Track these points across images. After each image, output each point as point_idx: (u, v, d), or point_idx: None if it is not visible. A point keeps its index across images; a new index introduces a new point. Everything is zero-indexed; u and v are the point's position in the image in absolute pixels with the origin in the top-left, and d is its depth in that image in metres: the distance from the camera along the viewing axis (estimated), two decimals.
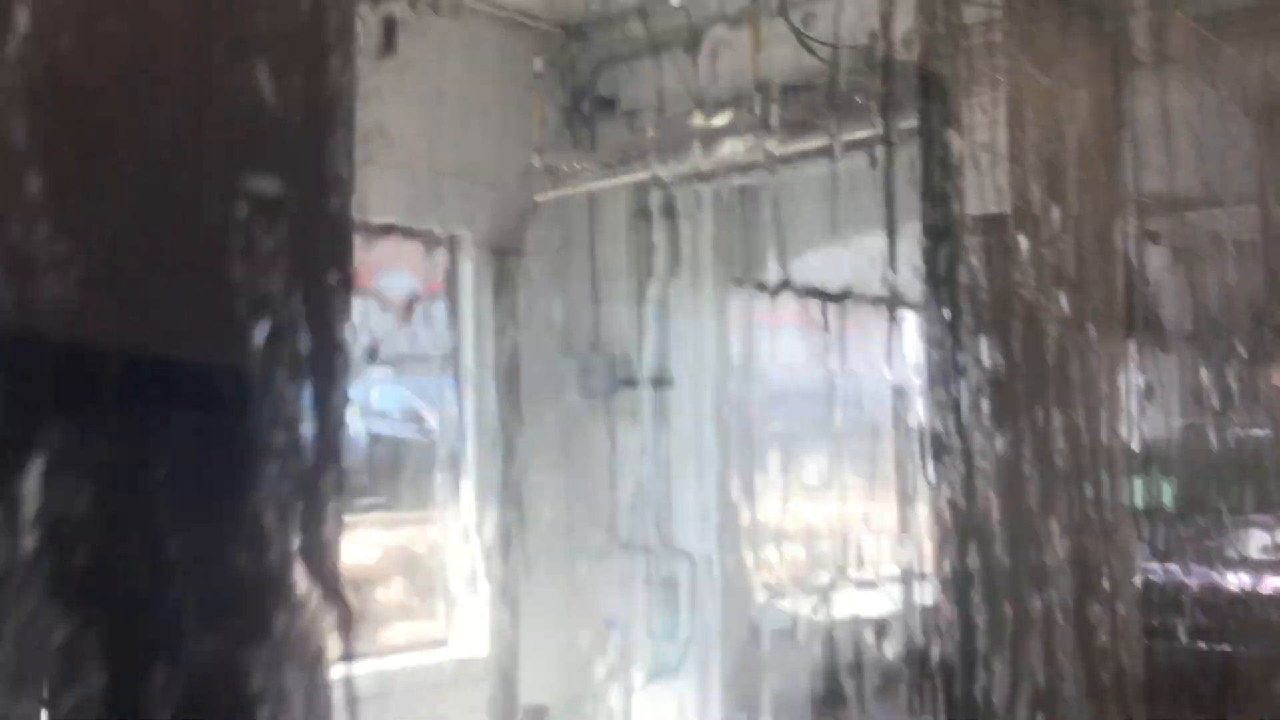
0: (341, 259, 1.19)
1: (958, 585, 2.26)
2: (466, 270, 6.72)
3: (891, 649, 2.82)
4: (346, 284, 1.19)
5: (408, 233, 6.34)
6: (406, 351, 7.02)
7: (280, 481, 1.05)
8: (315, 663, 1.04)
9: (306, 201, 1.16)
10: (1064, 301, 2.33)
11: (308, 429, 1.08)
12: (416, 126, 5.97)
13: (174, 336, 1.00)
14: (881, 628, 3.08)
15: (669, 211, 6.61)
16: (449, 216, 6.40)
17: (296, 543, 1.05)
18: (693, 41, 6.17)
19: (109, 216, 0.95)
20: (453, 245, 6.71)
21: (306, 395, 1.08)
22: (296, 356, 1.07)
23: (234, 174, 1.06)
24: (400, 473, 8.13)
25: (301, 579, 1.03)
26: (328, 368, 1.10)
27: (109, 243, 0.95)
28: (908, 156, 2.68)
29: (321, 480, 1.09)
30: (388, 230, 6.16)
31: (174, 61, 1.01)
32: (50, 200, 0.91)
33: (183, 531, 0.97)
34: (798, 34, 5.24)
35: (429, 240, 6.56)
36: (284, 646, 1.02)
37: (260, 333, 1.04)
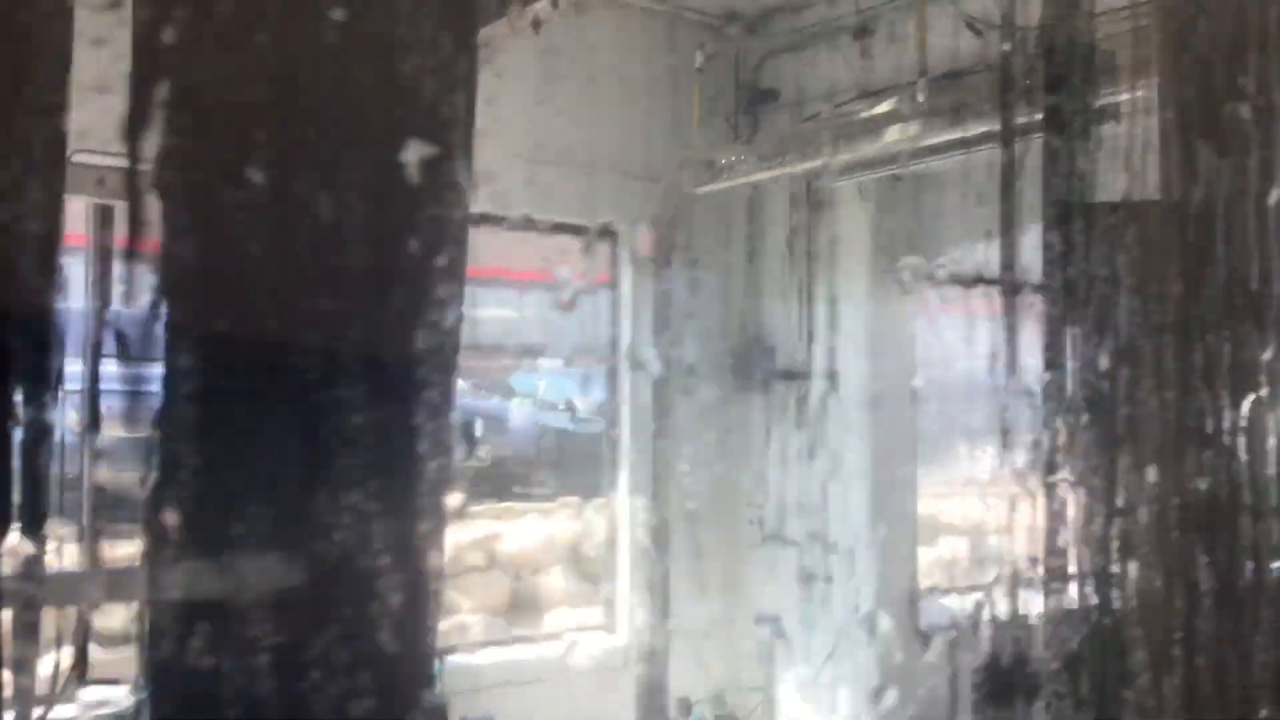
0: (463, 253, 1.20)
1: (1104, 586, 2.17)
2: (626, 262, 6.78)
3: (1047, 650, 2.74)
4: (461, 277, 1.20)
5: (569, 228, 6.44)
6: (571, 343, 7.16)
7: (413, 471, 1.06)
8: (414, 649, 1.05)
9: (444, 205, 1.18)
10: (1217, 287, 2.20)
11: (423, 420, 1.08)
12: (575, 121, 6.05)
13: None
14: (1039, 628, 2.99)
15: (829, 202, 6.52)
16: (609, 209, 6.47)
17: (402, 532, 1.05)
18: (859, 30, 6.06)
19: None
20: (613, 238, 6.78)
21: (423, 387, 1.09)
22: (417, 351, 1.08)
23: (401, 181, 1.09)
24: (562, 462, 8.28)
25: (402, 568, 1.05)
26: (440, 361, 1.11)
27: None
28: (1064, 142, 2.58)
29: (429, 471, 1.10)
30: (550, 226, 6.27)
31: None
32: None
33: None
34: (967, 19, 5.08)
35: (590, 234, 6.64)
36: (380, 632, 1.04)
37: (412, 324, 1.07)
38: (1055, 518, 2.66)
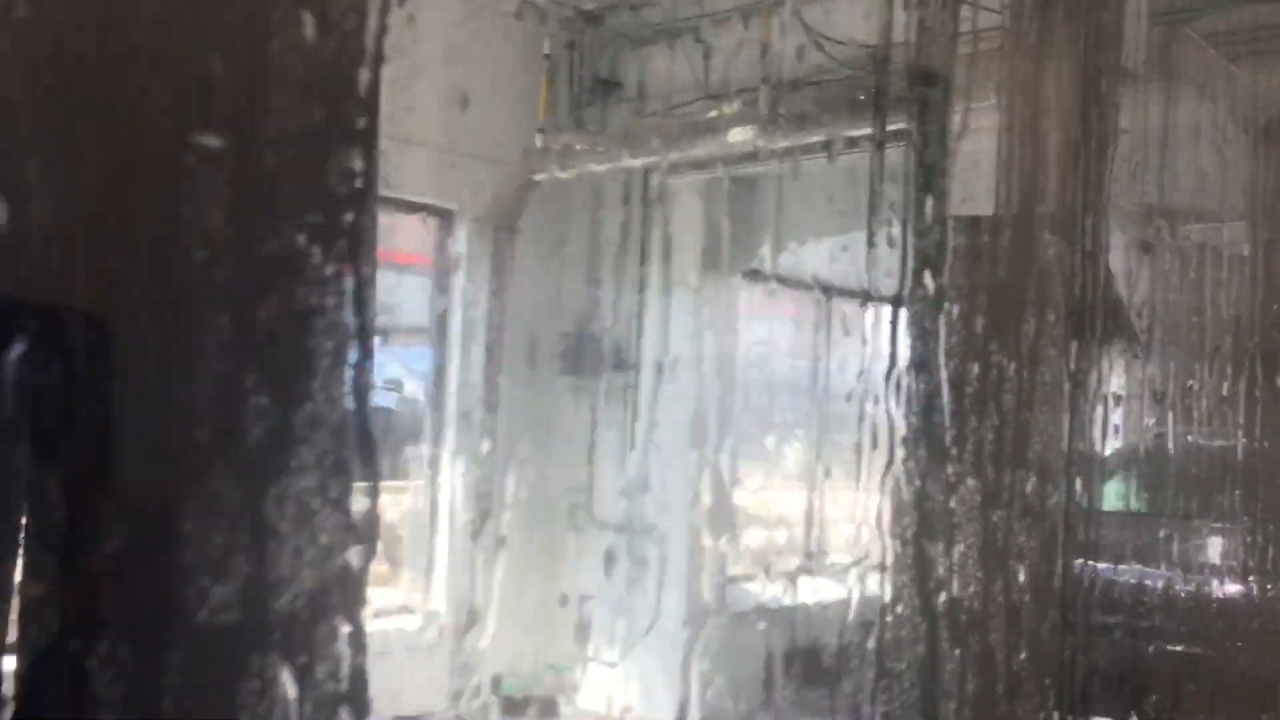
0: (371, 231, 1.22)
1: (913, 578, 2.32)
2: (459, 243, 6.75)
3: (844, 636, 2.88)
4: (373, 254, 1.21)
5: (405, 205, 6.37)
6: (392, 321, 7.06)
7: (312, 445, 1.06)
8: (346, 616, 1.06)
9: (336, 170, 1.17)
10: (1043, 305, 2.39)
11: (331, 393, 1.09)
12: (420, 101, 6.00)
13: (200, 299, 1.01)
14: (837, 615, 3.14)
15: (666, 197, 6.66)
16: (445, 190, 6.43)
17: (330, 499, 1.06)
18: (703, 32, 6.21)
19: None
20: (446, 218, 6.74)
21: (333, 362, 1.10)
22: (326, 324, 1.09)
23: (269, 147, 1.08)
24: (383, 441, 8.14)
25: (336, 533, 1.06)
26: (354, 335, 1.12)
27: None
28: (900, 155, 2.72)
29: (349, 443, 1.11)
30: (387, 202, 6.19)
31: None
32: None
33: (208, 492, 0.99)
34: (809, 31, 5.29)
35: (423, 212, 6.59)
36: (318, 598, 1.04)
37: (288, 300, 1.06)
38: (864, 510, 2.79)
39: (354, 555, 1.10)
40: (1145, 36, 2.89)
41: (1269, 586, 3.10)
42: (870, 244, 2.64)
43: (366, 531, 1.10)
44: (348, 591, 1.07)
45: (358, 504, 1.10)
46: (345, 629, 1.07)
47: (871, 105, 2.96)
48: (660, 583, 6.36)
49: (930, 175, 2.60)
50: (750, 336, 6.91)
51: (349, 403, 1.10)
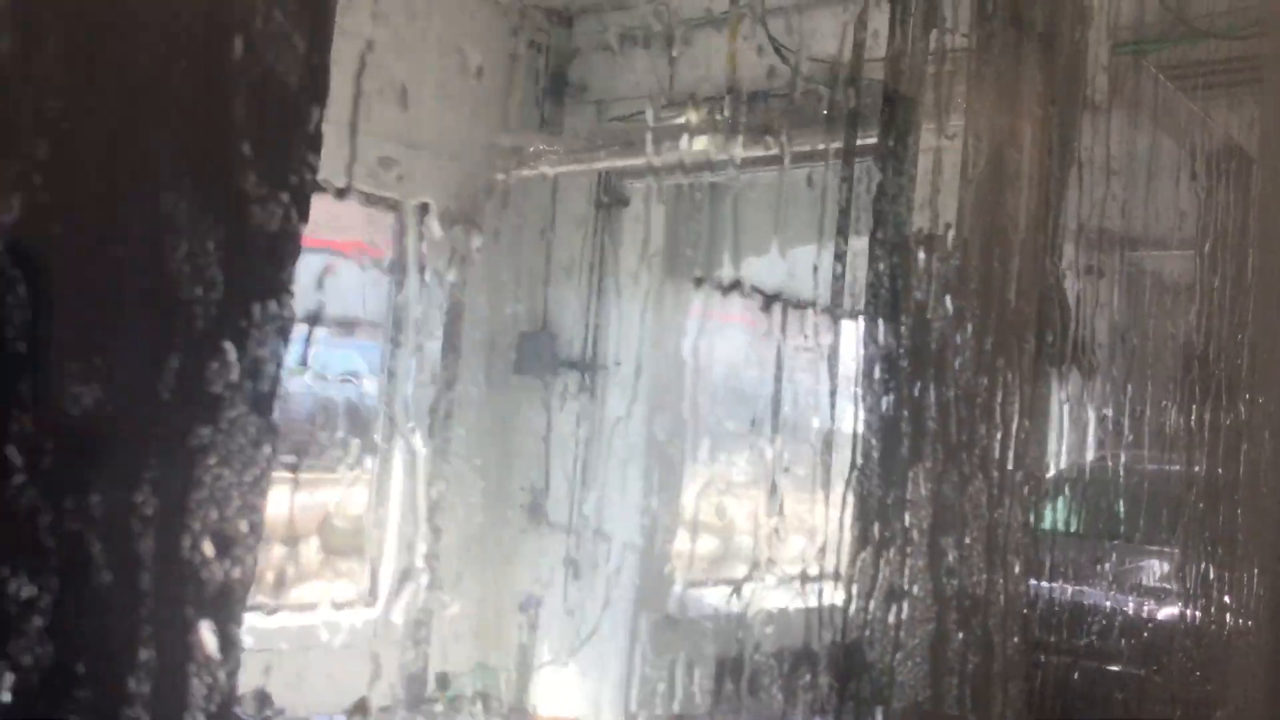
0: (292, 219, 1.18)
1: (860, 590, 2.36)
2: (418, 239, 6.73)
3: (793, 643, 2.91)
4: (293, 244, 1.18)
5: (364, 197, 6.33)
6: (348, 315, 7.02)
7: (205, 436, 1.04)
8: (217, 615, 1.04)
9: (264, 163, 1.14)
10: (995, 326, 2.44)
11: (244, 383, 1.08)
12: (377, 91, 5.97)
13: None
14: (786, 622, 3.17)
15: (625, 201, 6.69)
16: (406, 184, 6.41)
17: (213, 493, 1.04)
18: (671, 39, 6.25)
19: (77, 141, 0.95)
20: (405, 212, 6.72)
21: (246, 350, 1.09)
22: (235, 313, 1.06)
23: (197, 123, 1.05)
24: (332, 434, 8.12)
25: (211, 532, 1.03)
26: (267, 325, 1.11)
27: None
28: (861, 172, 2.77)
29: (247, 436, 1.09)
30: (343, 193, 6.14)
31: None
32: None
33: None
34: (774, 43, 5.33)
35: (382, 205, 6.56)
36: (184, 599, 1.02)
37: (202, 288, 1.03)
38: (816, 522, 2.83)
39: (229, 554, 1.06)
40: (1105, 66, 2.96)
41: (1209, 608, 3.18)
42: (831, 257, 2.68)
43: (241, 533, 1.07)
44: (220, 594, 1.04)
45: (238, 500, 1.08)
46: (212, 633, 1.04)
47: (835, 120, 3.01)
48: (611, 585, 6.38)
49: (891, 192, 2.65)
50: (705, 343, 6.95)
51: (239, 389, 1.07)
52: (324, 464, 7.62)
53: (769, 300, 6.57)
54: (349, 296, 6.86)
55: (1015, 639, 2.64)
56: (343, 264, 6.53)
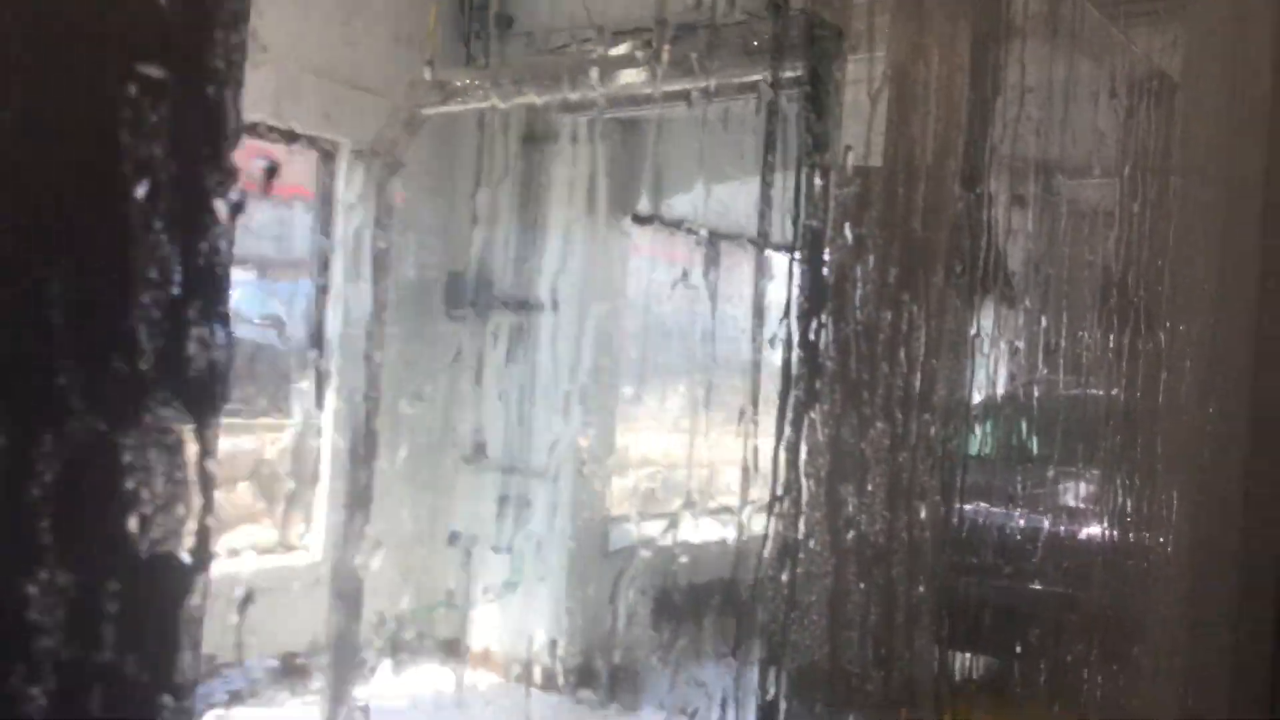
0: (221, 154, 1.16)
1: (784, 519, 2.39)
2: (342, 177, 6.62)
3: (717, 574, 2.95)
4: (225, 180, 1.16)
5: (283, 134, 6.20)
6: (271, 255, 6.89)
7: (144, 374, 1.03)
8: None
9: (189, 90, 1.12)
10: (924, 255, 2.45)
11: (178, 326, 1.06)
12: (303, 26, 5.82)
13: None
14: (713, 554, 3.21)
15: (556, 136, 6.61)
16: (329, 121, 6.28)
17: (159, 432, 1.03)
18: None
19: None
20: (330, 150, 6.59)
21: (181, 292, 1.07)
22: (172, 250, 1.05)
23: (119, 58, 1.03)
24: (257, 378, 8.02)
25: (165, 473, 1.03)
26: (205, 267, 1.09)
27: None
28: (788, 104, 2.75)
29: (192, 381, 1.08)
30: (258, 129, 6.00)
31: None
32: None
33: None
34: None
35: (304, 143, 6.43)
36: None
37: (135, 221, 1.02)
38: (745, 455, 2.85)
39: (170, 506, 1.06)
40: None
41: (1141, 529, 3.27)
42: (761, 191, 2.67)
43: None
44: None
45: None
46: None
47: (765, 52, 2.98)
48: (549, 524, 6.41)
49: (821, 124, 2.64)
50: (639, 279, 6.94)
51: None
52: (252, 409, 7.53)
53: (706, 235, 6.56)
54: (274, 237, 6.73)
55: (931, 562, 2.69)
56: (263, 203, 6.40)
